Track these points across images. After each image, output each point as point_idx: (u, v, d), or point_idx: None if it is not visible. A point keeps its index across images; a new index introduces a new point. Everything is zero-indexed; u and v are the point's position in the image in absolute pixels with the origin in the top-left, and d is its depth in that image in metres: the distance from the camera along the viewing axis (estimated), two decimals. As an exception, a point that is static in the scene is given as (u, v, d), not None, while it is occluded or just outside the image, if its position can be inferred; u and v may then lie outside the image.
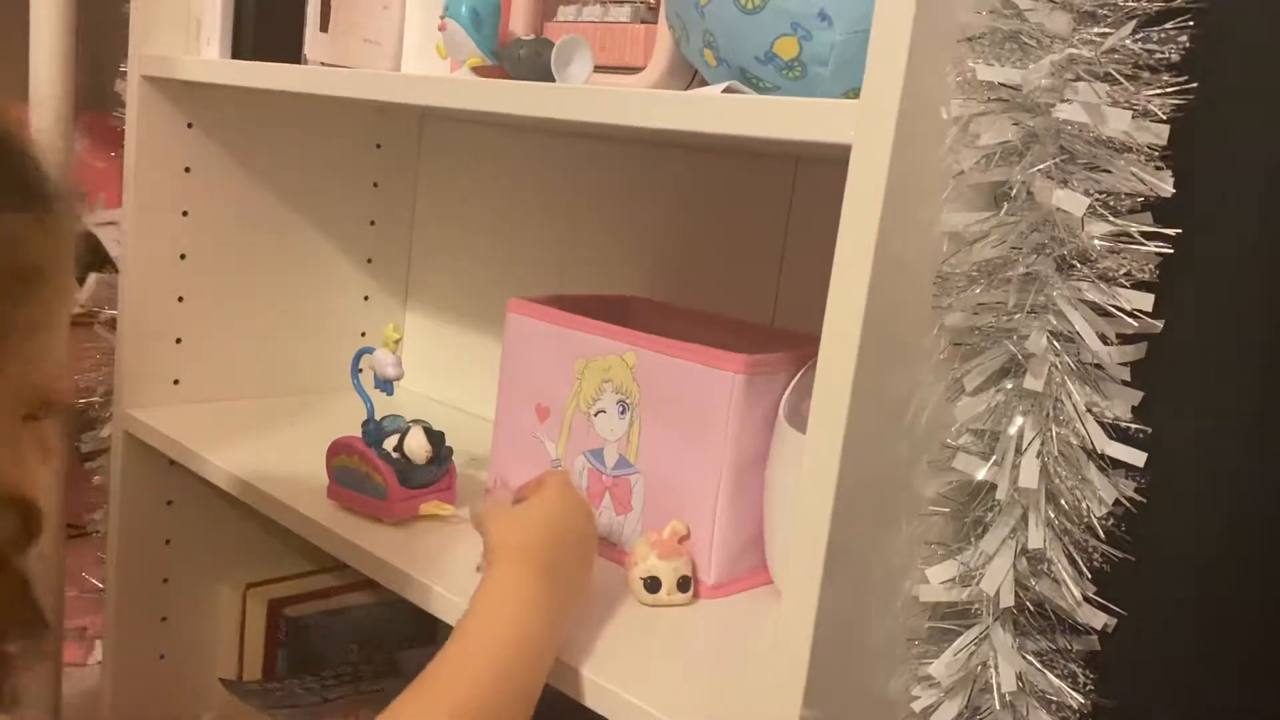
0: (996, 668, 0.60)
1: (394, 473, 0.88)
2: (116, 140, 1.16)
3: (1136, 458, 0.59)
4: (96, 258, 1.44)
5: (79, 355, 1.25)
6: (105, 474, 1.22)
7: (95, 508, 1.27)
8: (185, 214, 1.15)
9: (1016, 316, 0.58)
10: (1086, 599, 0.60)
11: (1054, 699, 0.61)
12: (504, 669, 0.64)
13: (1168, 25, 0.55)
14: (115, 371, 1.17)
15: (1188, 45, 0.55)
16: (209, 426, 1.11)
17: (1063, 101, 0.55)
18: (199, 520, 1.21)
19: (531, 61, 0.77)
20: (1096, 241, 0.57)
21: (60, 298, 0.56)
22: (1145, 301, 0.57)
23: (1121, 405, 0.60)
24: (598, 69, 0.80)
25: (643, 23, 0.83)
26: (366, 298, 1.31)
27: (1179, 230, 0.57)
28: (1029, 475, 0.57)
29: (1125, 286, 0.57)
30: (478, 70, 0.82)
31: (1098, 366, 0.59)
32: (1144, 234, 0.57)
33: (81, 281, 1.41)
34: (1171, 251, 0.57)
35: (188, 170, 1.14)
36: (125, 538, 1.18)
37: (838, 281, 0.54)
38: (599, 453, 0.87)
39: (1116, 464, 0.60)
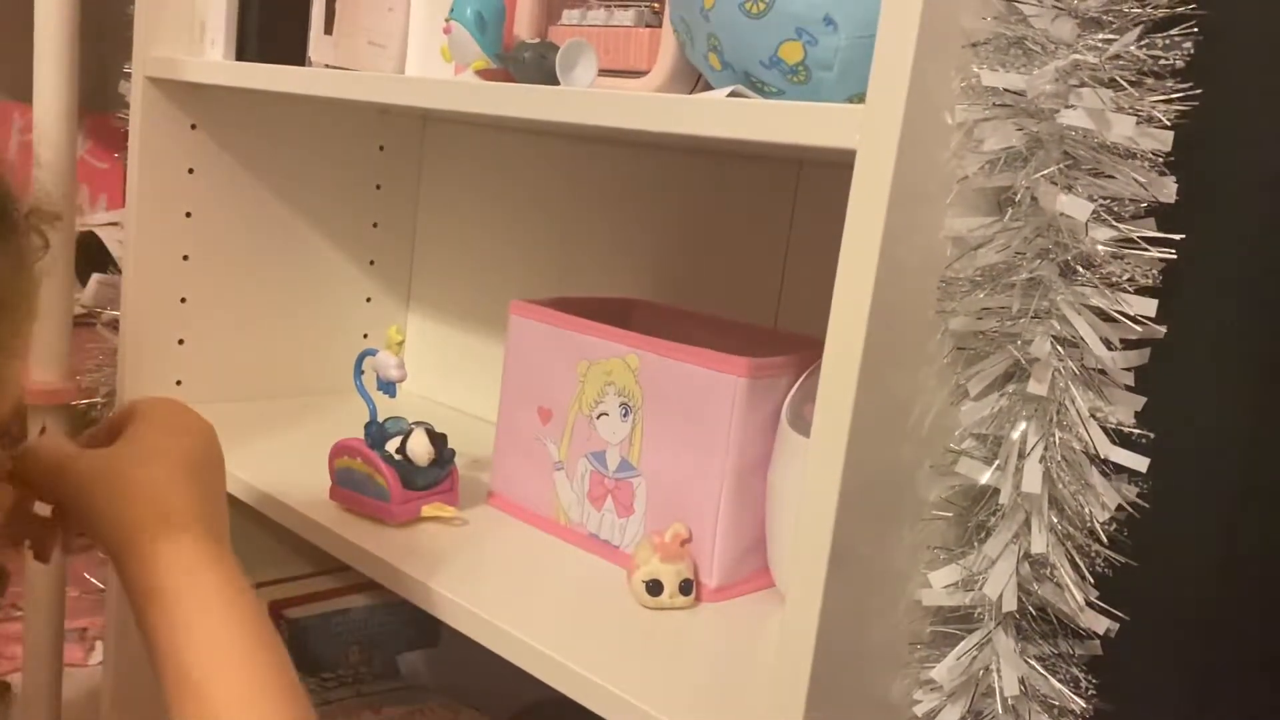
0: (999, 672, 0.60)
1: (396, 475, 0.88)
2: (120, 141, 1.16)
3: (1139, 463, 0.59)
4: (98, 258, 1.44)
5: (81, 355, 1.25)
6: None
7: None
8: (188, 215, 1.15)
9: (1020, 321, 0.58)
10: (1089, 604, 0.60)
11: (1056, 703, 0.61)
12: (257, 669, 0.54)
13: (1172, 31, 0.56)
14: (117, 372, 1.17)
15: (1192, 52, 0.55)
16: (211, 427, 1.11)
17: (1067, 107, 0.55)
18: (200, 521, 1.21)
19: (536, 65, 0.77)
20: (1100, 247, 0.57)
21: (19, 328, 0.51)
22: (1149, 307, 0.57)
23: (1125, 410, 0.60)
24: (602, 73, 0.81)
25: (647, 26, 0.83)
26: (369, 299, 1.32)
27: (1183, 236, 0.57)
28: (1032, 480, 0.57)
29: (1129, 292, 0.58)
30: (482, 73, 0.82)
31: (1101, 372, 0.59)
32: (1147, 240, 0.57)
33: (83, 282, 1.41)
34: (1175, 257, 0.57)
35: (191, 171, 1.14)
36: (127, 538, 1.18)
37: (842, 285, 0.54)
38: (601, 455, 0.87)
39: (1119, 469, 0.60)
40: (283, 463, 1.03)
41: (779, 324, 0.98)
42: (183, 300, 1.16)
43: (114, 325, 1.19)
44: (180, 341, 1.17)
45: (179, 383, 1.18)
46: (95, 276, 1.37)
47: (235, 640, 0.55)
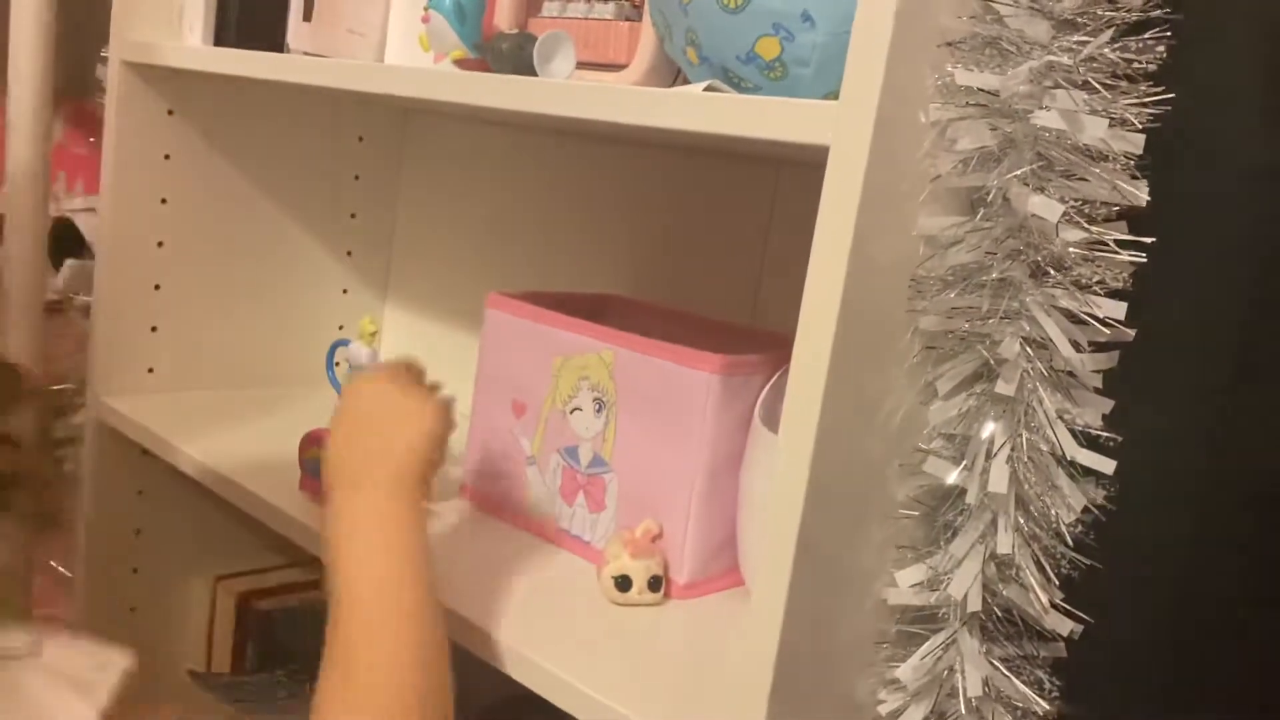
0: (963, 672, 0.60)
1: (367, 466, 0.87)
2: (97, 126, 1.15)
3: (1106, 465, 0.59)
4: (72, 244, 1.42)
5: (53, 341, 1.24)
6: (76, 462, 1.21)
7: (66, 496, 1.26)
8: (164, 202, 1.14)
9: (990, 322, 0.58)
10: (1054, 605, 0.60)
11: (1020, 705, 0.61)
12: (396, 610, 0.63)
13: (1146, 35, 0.56)
14: (89, 358, 1.16)
15: (1165, 55, 0.55)
16: (183, 416, 1.10)
17: (1041, 108, 0.55)
18: (170, 511, 1.20)
19: (514, 56, 0.77)
20: (1071, 249, 0.57)
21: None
22: (1118, 310, 0.57)
23: (1092, 413, 0.60)
24: (581, 65, 0.80)
25: (627, 20, 0.82)
26: (345, 290, 1.31)
27: (1153, 239, 0.57)
28: (999, 480, 0.57)
29: (1099, 294, 0.58)
30: (460, 63, 0.81)
31: (1070, 374, 0.59)
32: (1118, 242, 0.57)
33: (57, 268, 1.40)
34: (1145, 260, 0.57)
35: (167, 158, 1.13)
36: (95, 527, 1.17)
37: (813, 282, 0.54)
38: (574, 450, 0.87)
39: (1086, 471, 0.60)
40: (254, 452, 1.02)
41: (756, 322, 0.98)
42: (156, 287, 1.15)
43: (86, 311, 1.18)
44: (153, 329, 1.16)
45: (151, 370, 1.17)
46: (68, 262, 1.36)
47: (376, 560, 0.65)
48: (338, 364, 0.94)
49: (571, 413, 0.87)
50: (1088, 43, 0.55)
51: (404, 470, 0.70)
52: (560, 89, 0.69)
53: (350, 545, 0.66)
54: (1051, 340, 0.57)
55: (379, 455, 0.70)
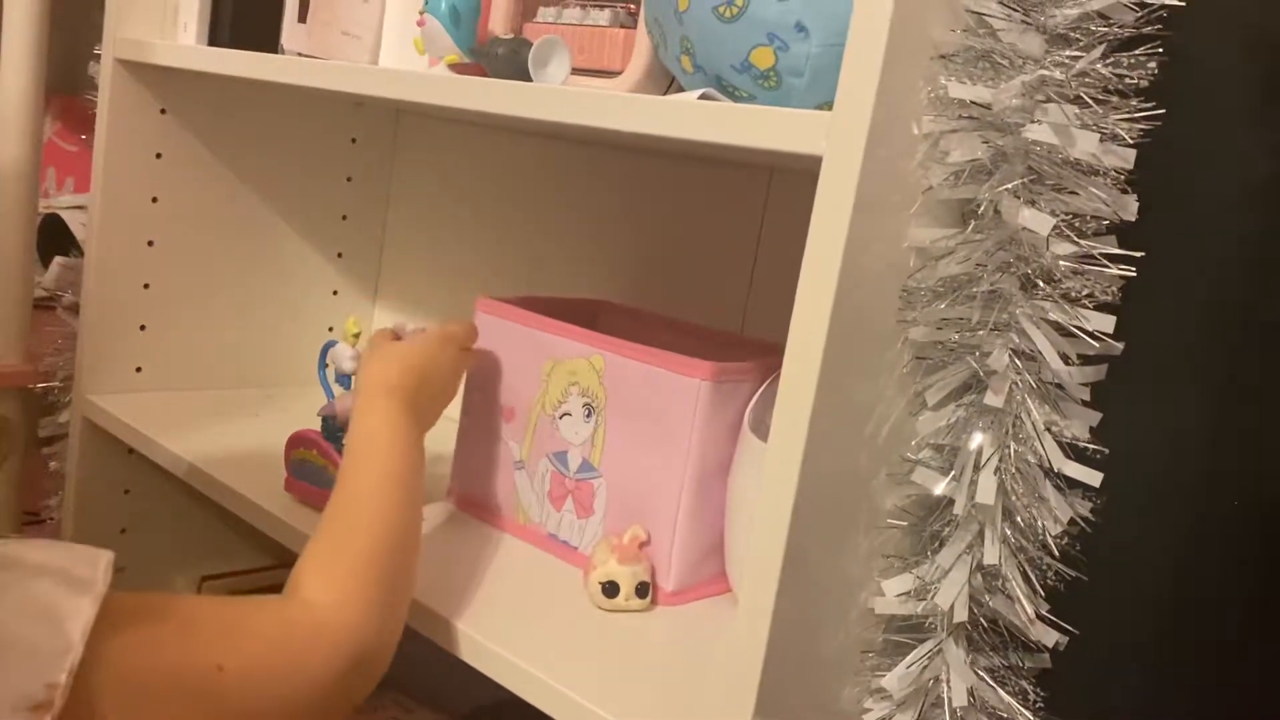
0: (948, 682, 0.60)
1: (355, 468, 0.87)
2: (88, 124, 1.15)
3: (1093, 478, 0.60)
4: (61, 241, 1.42)
5: (41, 338, 1.23)
6: (62, 460, 1.20)
7: (51, 494, 1.25)
8: (155, 200, 1.14)
9: (980, 333, 0.58)
10: (1039, 617, 0.61)
11: (1004, 715, 0.61)
12: (389, 505, 0.72)
13: (1137, 51, 0.56)
14: (77, 356, 1.15)
15: (1156, 71, 0.56)
16: (170, 415, 1.10)
17: (1032, 122, 0.56)
18: (156, 510, 1.20)
19: (509, 60, 0.77)
20: (1061, 262, 0.57)
21: None
22: (1107, 323, 0.58)
23: (1080, 425, 0.60)
24: (576, 71, 0.80)
25: (622, 27, 0.83)
26: (335, 292, 1.30)
27: (1143, 254, 0.58)
28: (986, 491, 0.58)
29: (1088, 308, 0.58)
30: (455, 67, 0.81)
31: (1058, 386, 0.60)
32: (1108, 256, 0.58)
33: (45, 265, 1.39)
34: (1135, 275, 0.58)
35: (159, 156, 1.13)
36: (81, 525, 1.16)
37: (804, 291, 0.54)
38: (563, 455, 0.87)
39: (1073, 483, 0.60)
40: (240, 452, 1.02)
41: (746, 330, 0.98)
42: (146, 286, 1.15)
43: (75, 309, 1.18)
44: (142, 327, 1.16)
45: (139, 369, 1.16)
46: (57, 259, 1.35)
47: (371, 493, 0.73)
48: (328, 365, 0.93)
49: (561, 418, 0.87)
50: (1080, 58, 0.55)
51: (427, 416, 0.84)
52: (554, 94, 0.69)
53: (389, 443, 0.76)
54: (1040, 352, 0.57)
55: (434, 398, 0.84)
